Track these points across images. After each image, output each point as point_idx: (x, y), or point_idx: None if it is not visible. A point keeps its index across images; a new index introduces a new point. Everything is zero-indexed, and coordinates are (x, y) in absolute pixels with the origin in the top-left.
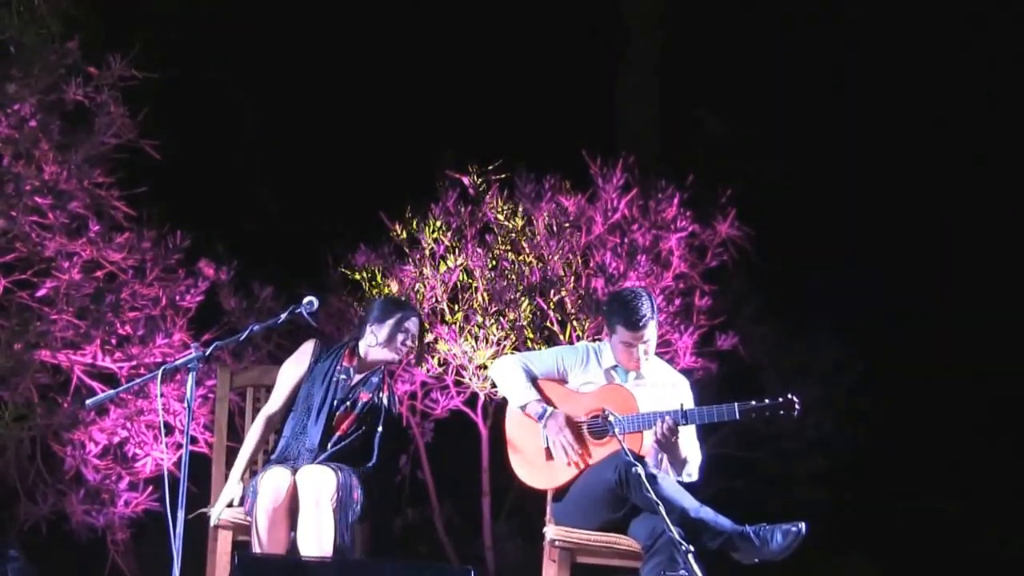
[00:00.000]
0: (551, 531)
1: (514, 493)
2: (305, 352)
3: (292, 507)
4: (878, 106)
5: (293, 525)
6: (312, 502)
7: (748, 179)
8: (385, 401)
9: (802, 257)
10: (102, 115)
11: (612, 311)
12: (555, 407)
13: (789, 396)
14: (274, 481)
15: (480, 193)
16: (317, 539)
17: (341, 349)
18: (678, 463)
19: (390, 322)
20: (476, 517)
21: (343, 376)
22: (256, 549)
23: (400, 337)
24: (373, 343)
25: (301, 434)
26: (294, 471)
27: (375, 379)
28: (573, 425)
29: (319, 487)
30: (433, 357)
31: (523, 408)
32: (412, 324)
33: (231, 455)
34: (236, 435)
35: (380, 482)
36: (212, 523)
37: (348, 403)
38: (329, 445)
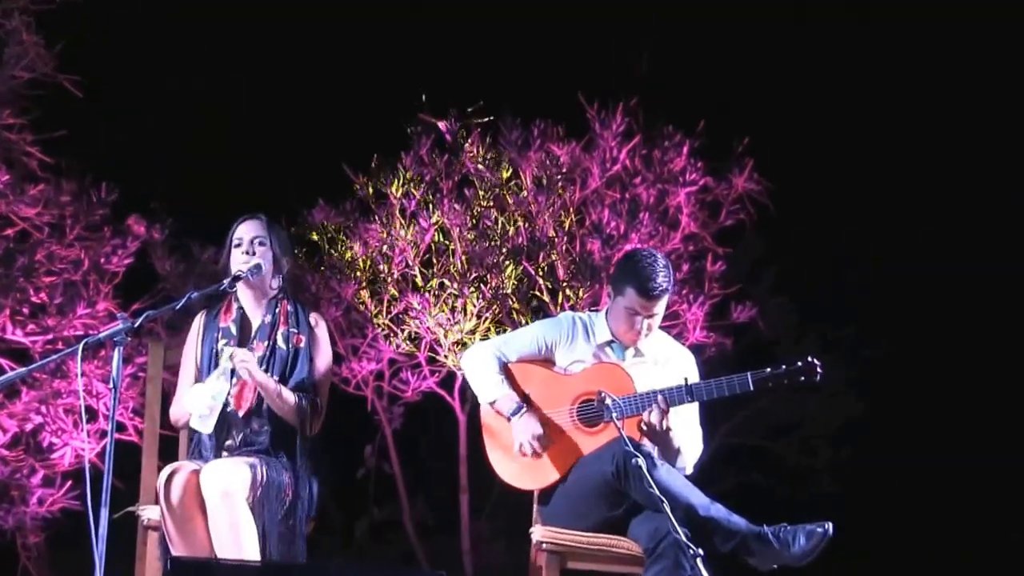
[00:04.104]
0: (538, 532)
1: (497, 489)
2: (194, 328)
3: (202, 503)
4: (916, 59)
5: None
6: (219, 498)
7: (767, 127)
8: (288, 331)
9: (829, 216)
10: (12, 44)
11: (625, 271)
12: (532, 402)
13: (810, 359)
14: (172, 477)
15: (458, 140)
16: (232, 539)
17: (219, 306)
18: (670, 453)
19: (226, 247)
20: (452, 516)
21: (224, 340)
22: (173, 551)
23: (237, 250)
24: (231, 270)
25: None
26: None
27: (268, 319)
28: (553, 426)
29: (226, 482)
30: (403, 331)
31: (492, 404)
32: (244, 227)
33: (164, 444)
34: (169, 421)
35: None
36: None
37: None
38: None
